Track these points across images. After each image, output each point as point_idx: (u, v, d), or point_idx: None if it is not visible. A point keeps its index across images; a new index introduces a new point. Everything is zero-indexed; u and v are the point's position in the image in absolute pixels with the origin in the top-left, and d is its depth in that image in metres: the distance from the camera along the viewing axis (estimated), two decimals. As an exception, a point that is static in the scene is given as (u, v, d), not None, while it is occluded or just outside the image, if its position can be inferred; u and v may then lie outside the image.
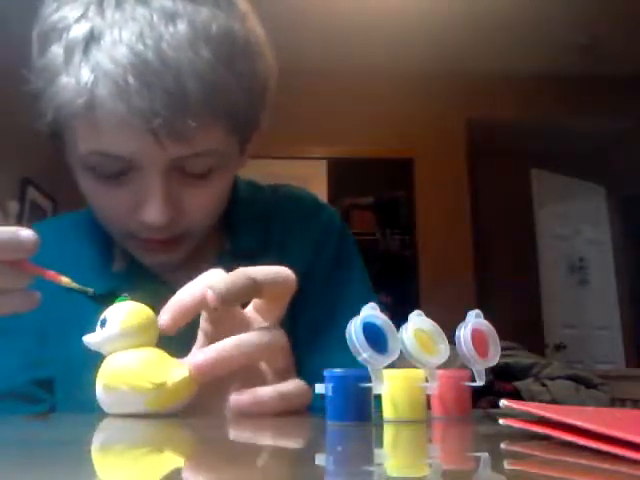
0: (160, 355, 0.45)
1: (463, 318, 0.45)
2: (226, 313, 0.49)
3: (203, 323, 0.50)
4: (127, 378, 0.44)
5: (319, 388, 0.40)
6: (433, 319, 0.44)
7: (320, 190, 3.76)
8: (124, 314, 0.45)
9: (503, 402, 0.33)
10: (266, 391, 0.46)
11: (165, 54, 0.54)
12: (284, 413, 0.47)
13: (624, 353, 4.52)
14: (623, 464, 0.23)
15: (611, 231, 4.74)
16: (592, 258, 4.61)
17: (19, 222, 2.66)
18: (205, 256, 0.70)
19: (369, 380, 0.39)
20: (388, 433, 0.39)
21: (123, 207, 0.60)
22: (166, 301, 0.48)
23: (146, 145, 0.55)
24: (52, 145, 0.63)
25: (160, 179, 0.58)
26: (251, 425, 0.42)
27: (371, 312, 0.40)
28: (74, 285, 0.47)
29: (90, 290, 0.49)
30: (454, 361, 0.44)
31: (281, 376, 0.48)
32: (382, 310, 0.41)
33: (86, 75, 0.54)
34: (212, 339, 0.47)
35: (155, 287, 0.66)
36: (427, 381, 0.42)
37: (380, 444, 0.36)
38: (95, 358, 0.46)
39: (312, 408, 0.49)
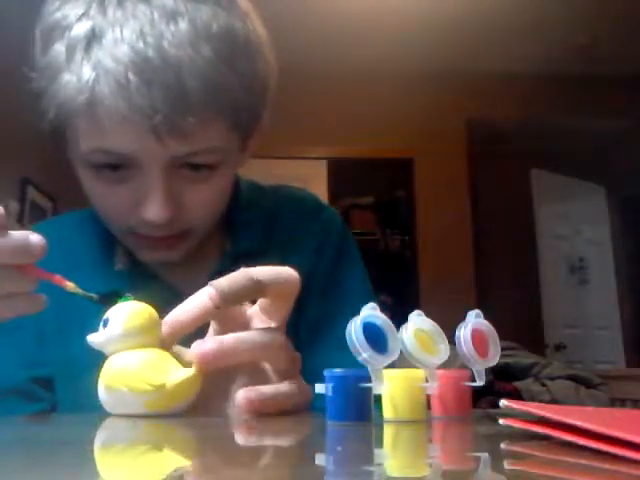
0: (161, 356, 0.45)
1: (463, 318, 0.45)
2: (231, 312, 0.49)
3: (212, 322, 0.50)
4: (127, 379, 0.44)
5: (319, 388, 0.40)
6: (433, 319, 0.44)
7: (320, 190, 3.76)
8: (127, 314, 0.45)
9: (503, 402, 0.33)
10: (268, 390, 0.46)
11: (166, 52, 0.54)
12: (285, 412, 0.47)
13: (624, 353, 4.52)
14: (623, 464, 0.23)
15: (611, 231, 4.74)
16: (592, 258, 4.61)
17: (19, 222, 2.66)
18: (207, 256, 0.70)
19: (369, 380, 0.39)
20: (388, 433, 0.39)
21: (124, 204, 0.61)
22: (168, 301, 0.48)
23: (147, 142, 0.56)
24: (53, 143, 0.63)
25: (161, 176, 0.58)
26: (251, 425, 0.42)
27: (371, 312, 0.40)
28: (79, 291, 0.47)
29: (95, 296, 0.49)
30: (454, 361, 0.44)
31: (283, 376, 0.48)
32: (382, 310, 0.41)
33: (87, 73, 0.54)
34: (223, 329, 0.48)
35: (157, 287, 0.67)
36: (427, 381, 0.42)
37: (380, 444, 0.36)
38: (96, 357, 0.46)
39: (313, 408, 0.49)
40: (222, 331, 0.48)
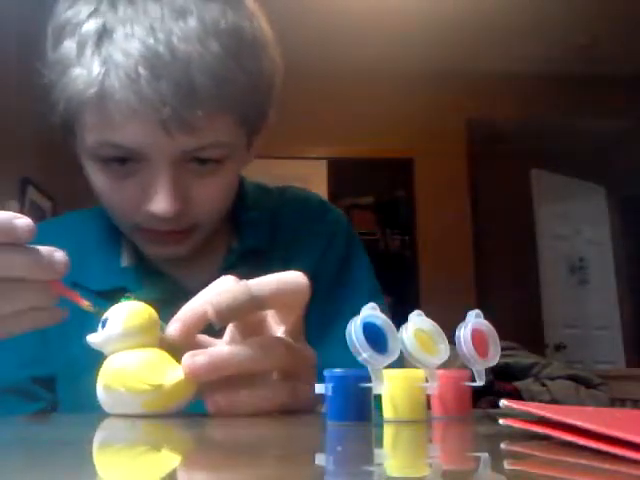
0: (160, 356, 0.45)
1: (463, 318, 0.45)
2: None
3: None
4: (125, 379, 0.44)
5: (319, 388, 0.40)
6: (433, 319, 0.44)
7: (320, 190, 3.76)
8: (126, 314, 0.45)
9: (503, 402, 0.33)
10: (240, 393, 0.45)
11: (175, 47, 0.55)
12: (285, 412, 0.47)
13: (624, 353, 4.52)
14: (623, 464, 0.23)
15: (611, 231, 4.74)
16: (592, 258, 4.61)
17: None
18: (213, 253, 0.70)
19: (369, 380, 0.39)
20: (388, 433, 0.39)
21: (132, 198, 0.61)
22: (174, 297, 0.48)
23: (155, 136, 0.57)
24: (62, 138, 0.64)
25: (168, 170, 0.59)
26: (251, 425, 0.42)
27: (371, 312, 0.40)
28: (93, 310, 0.47)
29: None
30: (454, 361, 0.44)
31: (288, 377, 0.48)
32: (384, 310, 0.41)
33: (98, 67, 0.56)
34: (240, 334, 0.48)
35: (163, 283, 0.67)
36: (427, 381, 0.42)
37: (380, 444, 0.36)
38: (96, 357, 0.46)
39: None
40: (244, 329, 0.48)
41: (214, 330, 0.46)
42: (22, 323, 0.47)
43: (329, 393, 0.39)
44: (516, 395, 2.42)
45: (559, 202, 4.49)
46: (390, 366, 0.39)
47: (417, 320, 0.43)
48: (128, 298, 0.47)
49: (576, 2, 3.40)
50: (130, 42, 0.55)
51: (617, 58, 3.92)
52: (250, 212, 0.73)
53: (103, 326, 0.45)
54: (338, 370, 0.40)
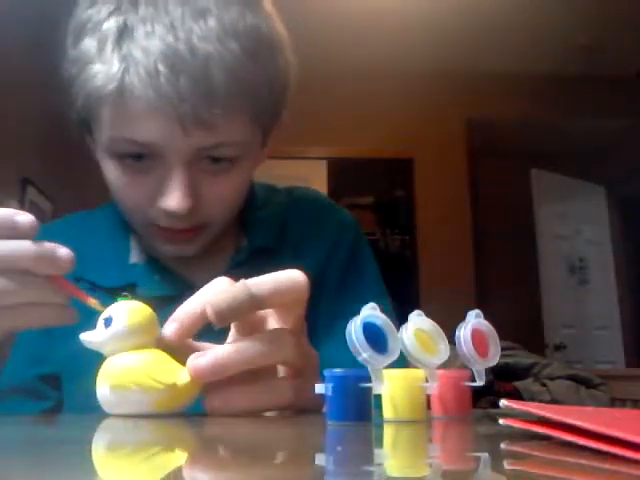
0: (164, 356, 0.45)
1: (463, 318, 0.45)
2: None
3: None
4: (137, 378, 0.44)
5: (319, 388, 0.40)
6: (433, 319, 0.44)
7: (320, 190, 3.75)
8: (128, 312, 0.45)
9: (503, 402, 0.33)
10: (236, 391, 0.45)
11: (195, 46, 0.56)
12: (286, 411, 0.47)
13: (624, 353, 4.53)
14: (623, 464, 0.23)
15: (611, 231, 4.74)
16: (592, 258, 4.61)
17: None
18: (222, 251, 0.71)
19: (369, 380, 0.39)
20: (388, 433, 0.39)
21: (146, 195, 0.62)
22: (182, 294, 0.48)
23: (172, 133, 0.57)
24: (78, 133, 0.65)
25: (183, 168, 0.60)
26: (251, 425, 0.42)
27: (371, 312, 0.40)
28: (101, 308, 0.47)
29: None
30: (454, 361, 0.44)
31: (292, 375, 0.48)
32: (389, 312, 0.41)
33: (117, 63, 0.56)
34: (241, 335, 0.47)
35: (171, 280, 0.68)
36: (427, 381, 0.42)
37: (380, 444, 0.36)
38: (100, 354, 0.46)
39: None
40: (238, 332, 0.48)
41: (213, 331, 0.46)
42: (27, 318, 0.47)
43: (329, 393, 0.39)
44: (516, 395, 2.42)
45: (559, 202, 4.49)
46: (391, 366, 0.39)
47: (417, 320, 0.43)
48: (126, 297, 0.46)
49: (576, 2, 3.40)
50: (150, 40, 0.56)
51: (617, 58, 3.92)
52: (259, 211, 0.74)
53: (106, 324, 0.45)
54: (338, 370, 0.40)
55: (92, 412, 0.46)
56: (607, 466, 0.23)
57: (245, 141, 0.62)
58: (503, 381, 2.46)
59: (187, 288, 0.62)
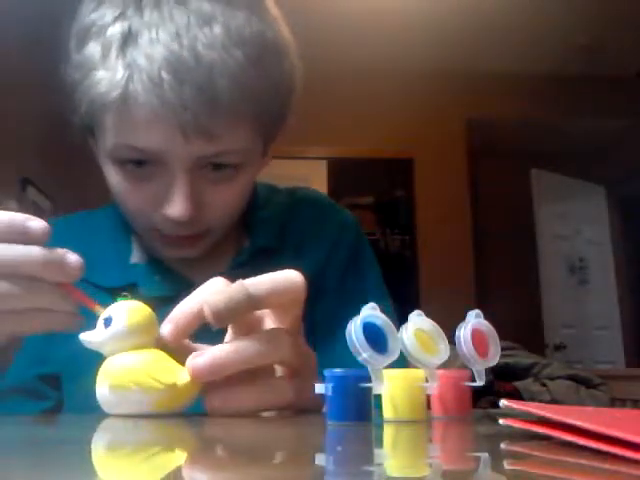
0: (164, 356, 0.45)
1: (463, 318, 0.45)
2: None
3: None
4: (137, 378, 0.44)
5: (319, 388, 0.40)
6: (433, 319, 0.44)
7: (320, 190, 3.75)
8: (128, 312, 0.45)
9: (503, 402, 0.33)
10: (239, 391, 0.45)
11: (199, 53, 0.56)
12: (286, 411, 0.47)
13: (624, 353, 4.53)
14: (623, 464, 0.23)
15: (611, 231, 4.74)
16: (592, 258, 4.61)
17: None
18: (224, 252, 0.71)
19: (369, 380, 0.39)
20: (388, 433, 0.39)
21: (148, 202, 0.62)
22: (183, 294, 0.48)
23: (174, 141, 0.57)
24: (81, 138, 0.64)
25: (186, 176, 0.59)
26: (251, 425, 0.42)
27: (371, 312, 0.40)
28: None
29: None
30: (454, 361, 0.44)
31: (291, 375, 0.48)
32: (390, 313, 0.41)
33: (122, 70, 0.56)
34: (239, 334, 0.47)
35: (173, 280, 0.68)
36: (427, 381, 0.42)
37: (380, 444, 0.36)
38: (100, 353, 0.46)
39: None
40: (236, 332, 0.48)
41: (210, 332, 0.46)
42: (33, 323, 0.47)
43: (329, 393, 0.39)
44: (516, 395, 2.42)
45: (559, 202, 4.49)
46: (391, 366, 0.39)
47: (417, 320, 0.43)
48: (126, 297, 0.46)
49: (576, 2, 3.40)
50: (155, 47, 0.55)
51: (617, 58, 3.92)
52: (261, 212, 0.74)
53: (106, 324, 0.45)
54: (338, 370, 0.40)
55: (92, 412, 0.46)
56: (607, 466, 0.23)
57: (248, 148, 0.62)
58: (503, 381, 2.46)
59: (188, 288, 0.63)
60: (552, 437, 0.28)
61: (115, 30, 0.57)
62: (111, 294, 0.51)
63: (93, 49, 0.58)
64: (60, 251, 0.45)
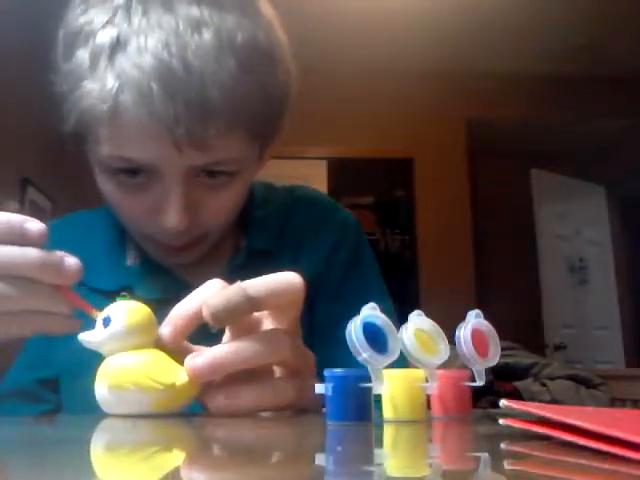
0: (163, 356, 0.45)
1: (463, 318, 0.45)
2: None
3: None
4: (136, 378, 0.43)
5: (319, 388, 0.40)
6: (433, 319, 0.44)
7: (320, 190, 3.75)
8: (127, 313, 0.45)
9: (503, 402, 0.33)
10: (243, 391, 0.45)
11: (189, 63, 0.54)
12: (286, 411, 0.47)
13: (624, 353, 4.53)
14: (623, 464, 0.23)
15: (611, 231, 4.74)
16: (592, 258, 4.61)
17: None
18: (220, 253, 0.70)
19: (369, 380, 0.39)
20: (388, 433, 0.39)
21: (142, 211, 0.61)
22: (180, 296, 0.48)
23: (167, 152, 0.56)
24: (74, 146, 0.63)
25: (180, 186, 0.58)
26: (250, 424, 0.42)
27: (371, 312, 0.40)
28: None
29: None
30: (454, 361, 0.44)
31: (291, 373, 0.48)
32: (390, 313, 0.41)
33: (111, 81, 0.54)
34: (236, 335, 0.47)
35: (169, 282, 0.67)
36: (427, 381, 0.42)
37: (380, 444, 0.36)
38: (99, 354, 0.46)
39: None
40: (234, 333, 0.47)
41: (208, 336, 0.46)
42: (28, 325, 0.46)
43: (329, 393, 0.39)
44: (516, 395, 2.42)
45: (559, 202, 4.49)
46: (391, 366, 0.39)
47: (417, 320, 0.43)
48: (124, 297, 0.46)
49: (576, 2, 3.40)
50: (143, 56, 0.54)
51: (617, 58, 3.92)
52: (258, 211, 0.73)
53: (105, 324, 0.45)
54: (338, 370, 0.40)
55: (91, 412, 0.46)
56: (607, 466, 0.23)
57: (242, 156, 0.61)
58: (503, 381, 2.46)
59: (185, 290, 0.62)
60: (552, 437, 0.28)
61: (104, 38, 0.55)
62: (107, 297, 0.50)
63: (81, 57, 0.56)
64: (58, 254, 0.45)
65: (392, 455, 0.31)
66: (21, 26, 2.33)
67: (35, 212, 2.84)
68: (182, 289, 0.49)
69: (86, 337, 0.45)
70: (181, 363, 0.44)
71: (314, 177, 3.87)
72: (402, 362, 0.41)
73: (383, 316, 0.40)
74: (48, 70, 0.60)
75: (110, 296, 0.49)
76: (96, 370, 0.45)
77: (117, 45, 0.55)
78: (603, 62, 3.96)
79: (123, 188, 0.60)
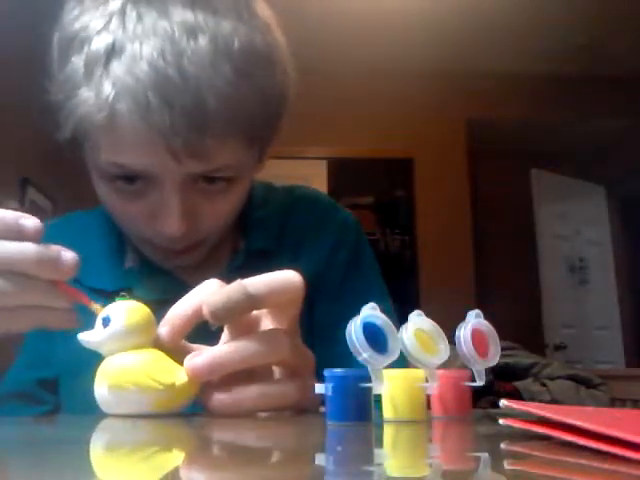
0: (163, 356, 0.45)
1: (463, 318, 0.45)
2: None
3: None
4: (136, 378, 0.43)
5: (319, 388, 0.40)
6: (433, 319, 0.44)
7: (320, 190, 3.75)
8: (127, 312, 0.45)
9: (503, 402, 0.33)
10: (246, 391, 0.45)
11: (186, 70, 0.53)
12: (286, 411, 0.47)
13: (624, 353, 4.53)
14: (623, 464, 0.23)
15: (611, 231, 4.74)
16: (592, 258, 4.61)
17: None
18: (220, 254, 0.70)
19: (369, 380, 0.39)
20: (388, 433, 0.39)
21: (140, 217, 0.61)
22: (178, 297, 0.48)
23: (164, 161, 0.56)
24: (71, 153, 0.63)
25: (178, 193, 0.58)
26: (250, 424, 0.42)
27: (371, 312, 0.40)
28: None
29: None
30: (454, 361, 0.44)
31: (291, 373, 0.48)
32: (390, 313, 0.41)
33: (107, 90, 0.54)
34: (236, 335, 0.47)
35: (169, 283, 0.67)
36: (427, 381, 0.42)
37: (380, 444, 0.36)
38: (100, 355, 0.46)
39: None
40: (239, 328, 0.47)
41: (206, 335, 0.46)
42: (26, 320, 0.46)
43: (329, 393, 0.39)
44: (516, 395, 2.42)
45: (559, 202, 4.49)
46: (391, 366, 0.39)
47: (417, 320, 0.43)
48: (124, 297, 0.46)
49: (576, 2, 3.40)
50: (139, 64, 0.53)
51: (617, 58, 3.92)
52: (258, 211, 0.73)
53: (105, 324, 0.45)
54: (338, 370, 0.40)
55: (91, 412, 0.46)
56: (607, 466, 0.23)
57: (241, 161, 0.60)
58: (503, 381, 2.46)
59: (184, 291, 0.62)
60: (552, 437, 0.28)
61: (99, 45, 0.55)
62: (106, 297, 0.50)
63: (77, 64, 0.56)
64: (55, 248, 0.45)
65: (392, 455, 0.31)
66: (21, 27, 2.33)
67: (35, 212, 2.83)
68: (181, 290, 0.49)
69: (85, 337, 0.45)
70: (180, 363, 0.44)
71: (314, 177, 3.86)
72: (402, 362, 0.41)
73: (383, 316, 0.40)
74: (43, 77, 0.59)
75: (109, 297, 0.49)
76: (96, 370, 0.45)
77: (112, 52, 0.54)
78: (603, 62, 3.96)
79: (121, 194, 0.60)
